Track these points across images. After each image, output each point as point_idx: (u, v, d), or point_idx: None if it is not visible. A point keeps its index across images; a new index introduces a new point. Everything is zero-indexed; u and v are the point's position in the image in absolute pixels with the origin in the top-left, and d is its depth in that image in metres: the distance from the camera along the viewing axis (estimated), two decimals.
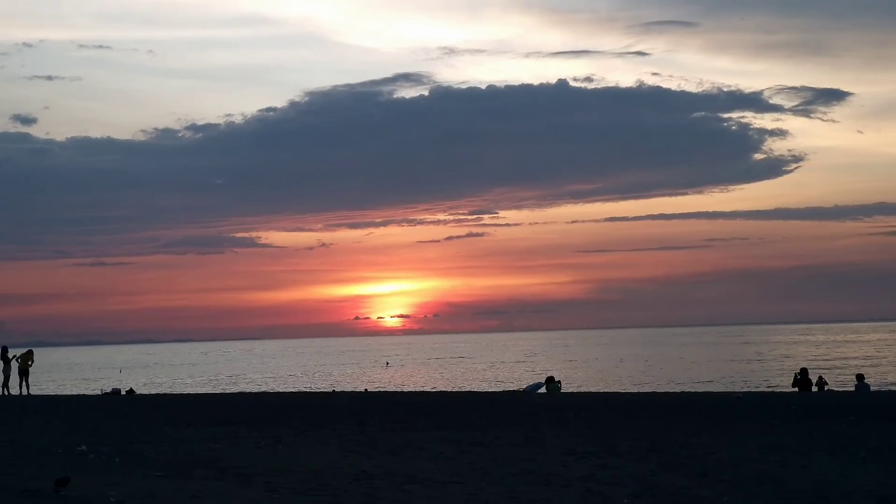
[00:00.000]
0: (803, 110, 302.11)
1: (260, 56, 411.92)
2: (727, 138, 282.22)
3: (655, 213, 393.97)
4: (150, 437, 20.40)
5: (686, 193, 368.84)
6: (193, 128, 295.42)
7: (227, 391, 55.86)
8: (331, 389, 50.14)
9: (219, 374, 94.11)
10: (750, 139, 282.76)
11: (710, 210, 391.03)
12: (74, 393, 51.41)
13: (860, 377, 36.13)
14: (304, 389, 55.98)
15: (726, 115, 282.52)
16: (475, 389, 50.88)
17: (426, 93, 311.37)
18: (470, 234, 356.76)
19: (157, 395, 43.83)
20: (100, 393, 45.52)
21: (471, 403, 29.99)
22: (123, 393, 42.93)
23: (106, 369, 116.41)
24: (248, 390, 55.59)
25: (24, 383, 40.73)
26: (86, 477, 13.49)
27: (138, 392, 46.29)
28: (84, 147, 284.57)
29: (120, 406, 31.43)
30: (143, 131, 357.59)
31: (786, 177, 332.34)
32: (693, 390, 45.28)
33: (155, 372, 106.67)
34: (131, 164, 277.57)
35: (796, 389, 35.05)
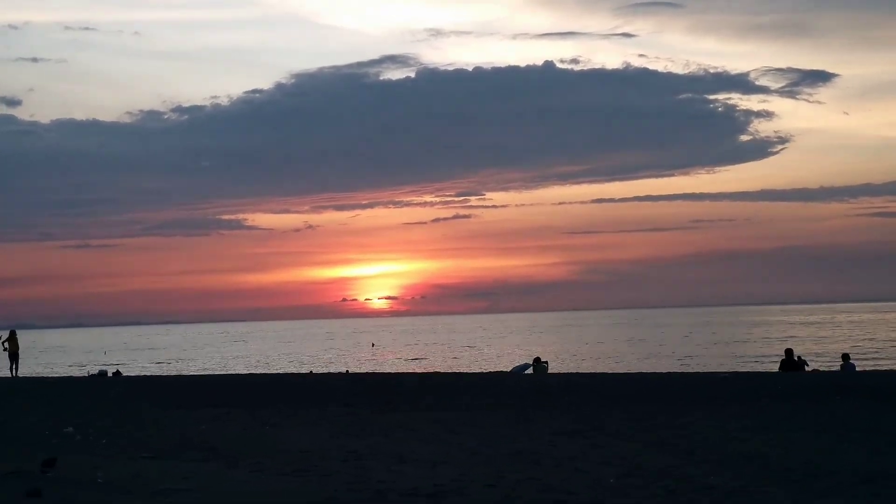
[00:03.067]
0: (789, 91, 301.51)
1: (246, 38, 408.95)
2: (713, 120, 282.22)
3: (642, 194, 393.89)
4: (137, 419, 20.39)
5: (672, 175, 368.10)
6: (179, 110, 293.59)
7: (215, 373, 55.76)
8: (307, 371, 50.31)
9: (207, 357, 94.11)
10: (736, 120, 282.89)
11: (697, 192, 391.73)
12: (61, 375, 51.05)
13: (846, 357, 36.28)
14: (292, 371, 55.77)
15: (712, 97, 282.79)
16: (462, 370, 50.97)
17: (412, 74, 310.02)
18: (457, 216, 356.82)
19: (145, 378, 43.94)
20: (87, 375, 45.37)
21: (458, 384, 29.98)
22: (110, 375, 42.85)
23: (92, 352, 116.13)
24: (236, 372, 55.60)
25: (14, 367, 40.97)
26: (73, 458, 13.46)
27: (125, 374, 46.17)
28: (69, 129, 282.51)
29: (107, 388, 31.37)
30: (128, 113, 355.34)
31: (772, 158, 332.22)
32: (679, 371, 45.62)
33: (142, 354, 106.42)
34: (117, 146, 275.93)
35: (782, 370, 35.13)
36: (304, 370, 57.36)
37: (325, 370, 56.15)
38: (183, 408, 23.24)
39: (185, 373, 60.11)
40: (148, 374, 55.99)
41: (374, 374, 43.81)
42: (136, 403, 24.90)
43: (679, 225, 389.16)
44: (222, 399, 25.57)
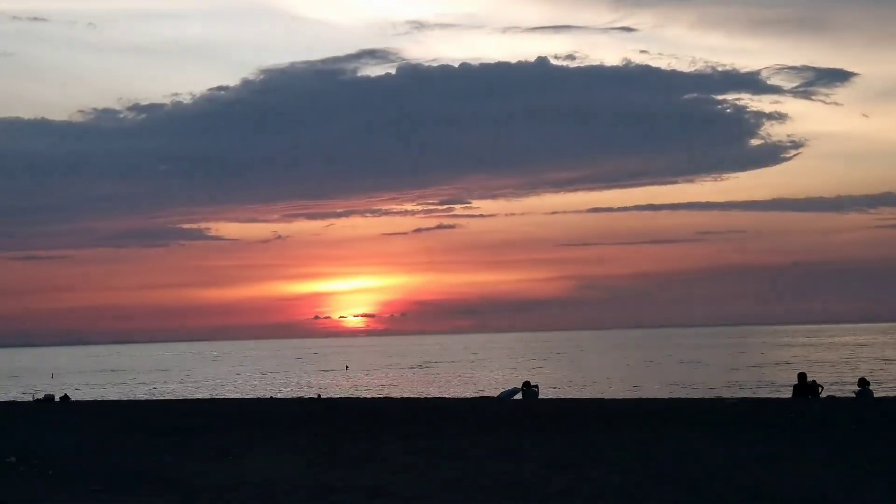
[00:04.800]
0: (804, 92, 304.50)
1: (211, 30, 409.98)
2: (721, 122, 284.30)
3: (643, 203, 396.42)
4: (87, 448, 20.28)
5: (676, 182, 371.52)
6: (136, 108, 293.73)
7: (174, 397, 55.57)
8: (268, 396, 50.75)
9: (166, 379, 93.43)
10: (746, 123, 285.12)
11: (703, 200, 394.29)
12: (2, 399, 51.08)
13: (863, 382, 36.41)
14: (257, 396, 56.04)
15: (720, 97, 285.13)
16: (445, 395, 51.28)
17: (393, 71, 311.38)
18: (440, 226, 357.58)
19: (96, 402, 43.63)
20: (31, 399, 44.82)
21: (441, 410, 30.11)
22: (57, 399, 42.53)
23: (38, 374, 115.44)
24: (195, 396, 55.49)
25: None
26: (15, 492, 13.36)
27: (74, 398, 45.93)
28: (15, 129, 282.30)
29: (53, 413, 31.10)
30: (80, 112, 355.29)
31: (785, 164, 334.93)
32: (683, 396, 45.84)
33: (93, 377, 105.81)
34: (67, 147, 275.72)
35: (794, 396, 35.27)
36: (272, 394, 57.24)
37: (294, 395, 55.92)
38: (138, 435, 23.12)
39: (140, 397, 59.79)
40: (99, 398, 55.71)
41: (348, 399, 43.66)
42: (86, 430, 24.72)
43: (683, 237, 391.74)
44: (181, 426, 25.55)
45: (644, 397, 43.38)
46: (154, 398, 55.59)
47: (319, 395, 47.73)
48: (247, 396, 55.05)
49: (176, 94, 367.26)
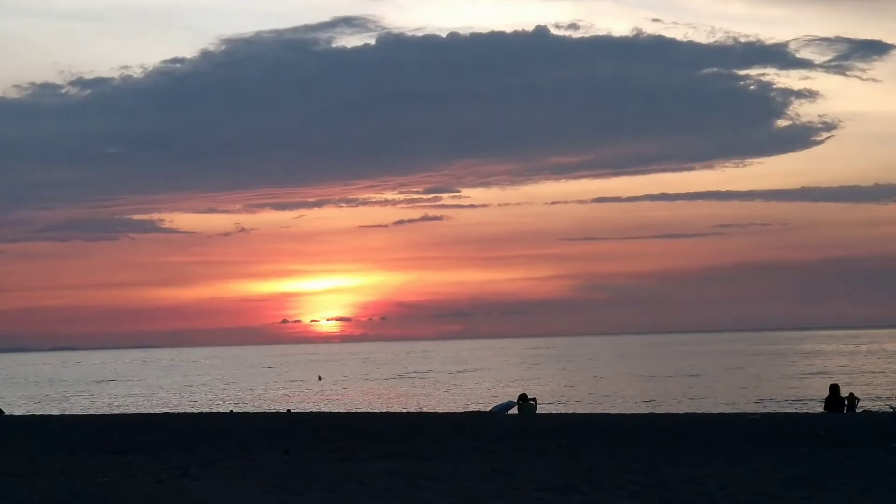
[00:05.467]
0: (837, 66, 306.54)
1: None
2: (744, 101, 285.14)
3: (655, 192, 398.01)
4: (20, 469, 20.16)
5: (693, 168, 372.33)
6: (80, 83, 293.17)
7: (121, 411, 55.58)
8: (228, 410, 50.76)
9: (112, 391, 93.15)
10: (772, 102, 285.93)
11: (723, 189, 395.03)
12: None
13: None
14: (216, 410, 55.96)
15: (743, 72, 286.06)
16: (430, 409, 51.42)
17: (372, 41, 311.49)
18: (426, 218, 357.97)
19: (31, 417, 43.45)
20: None
21: (424, 427, 30.20)
22: None
23: None
24: (146, 410, 55.53)
25: None
26: None
27: (6, 413, 45.65)
28: None
29: None
30: (16, 87, 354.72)
31: (815, 148, 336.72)
32: (699, 411, 45.99)
33: (29, 388, 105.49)
34: (1, 128, 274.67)
35: (826, 410, 35.38)
36: (233, 408, 57.28)
37: (259, 408, 56.13)
38: (77, 455, 23.01)
39: (82, 411, 59.85)
40: (35, 412, 55.46)
41: (320, 413, 43.89)
42: (19, 449, 24.58)
43: (701, 231, 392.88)
44: (128, 444, 25.51)
45: (656, 412, 43.71)
46: (98, 413, 55.27)
47: (289, 410, 47.83)
48: (204, 410, 54.73)
49: (125, 67, 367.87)
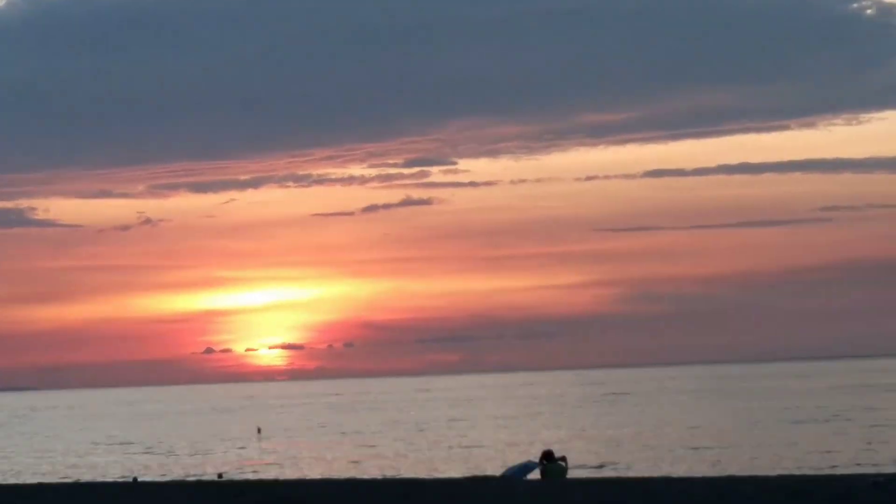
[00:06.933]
0: None
1: None
2: (855, 31, 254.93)
3: (733, 162, 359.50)
4: None
5: (787, 128, 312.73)
6: None
7: None
8: (132, 478, 46.62)
9: None
10: (895, 32, 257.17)
11: (830, 156, 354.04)
12: None
13: None
14: (107, 478, 52.70)
15: None
16: (416, 475, 48.41)
17: None
18: (408, 202, 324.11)
19: None
20: None
21: (410, 501, 27.99)
22: None
23: None
24: (14, 481, 51.60)
25: None
26: None
27: None
28: None
29: None
30: None
31: None
32: (800, 472, 43.37)
33: None
34: None
35: None
36: (135, 475, 52.56)
37: (175, 476, 53.77)
38: None
39: None
40: None
41: (260, 481, 42.13)
42: None
43: (799, 216, 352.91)
44: None
45: (736, 474, 39.46)
46: None
47: (221, 475, 45.80)
48: (85, 480, 50.86)
49: None
